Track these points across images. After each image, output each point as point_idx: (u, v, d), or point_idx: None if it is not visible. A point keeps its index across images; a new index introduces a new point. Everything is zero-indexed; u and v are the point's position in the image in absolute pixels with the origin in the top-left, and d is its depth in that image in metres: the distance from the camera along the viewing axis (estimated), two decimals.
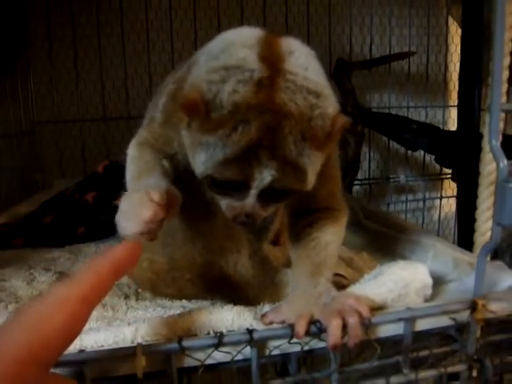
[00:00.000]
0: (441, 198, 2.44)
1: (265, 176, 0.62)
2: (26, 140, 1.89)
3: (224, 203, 0.68)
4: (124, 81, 2.01)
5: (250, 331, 0.66)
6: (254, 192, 0.64)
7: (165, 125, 0.79)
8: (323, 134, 0.63)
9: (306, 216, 0.81)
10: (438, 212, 2.44)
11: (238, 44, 0.65)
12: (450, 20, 2.28)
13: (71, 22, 1.94)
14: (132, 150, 0.81)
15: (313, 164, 0.65)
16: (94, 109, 2.04)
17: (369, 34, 2.22)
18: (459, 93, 1.89)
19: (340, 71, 2.01)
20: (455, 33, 2.29)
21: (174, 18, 2.00)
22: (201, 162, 0.64)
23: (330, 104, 0.65)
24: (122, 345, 0.67)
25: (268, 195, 0.65)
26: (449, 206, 2.45)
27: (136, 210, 0.62)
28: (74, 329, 0.49)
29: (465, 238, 1.79)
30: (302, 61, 0.65)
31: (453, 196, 2.37)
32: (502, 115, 1.00)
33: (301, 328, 0.65)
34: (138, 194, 0.65)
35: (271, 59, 0.63)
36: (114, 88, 2.04)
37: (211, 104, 0.61)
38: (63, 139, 2.03)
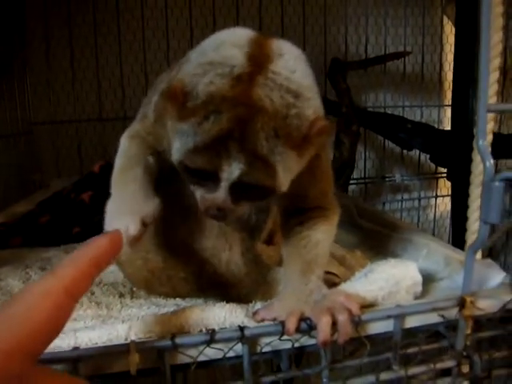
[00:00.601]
0: (436, 196, 2.45)
1: (233, 168, 0.63)
2: (22, 140, 1.90)
3: (198, 194, 0.69)
4: (120, 80, 2.02)
5: (241, 328, 0.67)
6: (224, 185, 0.65)
7: (156, 123, 0.81)
8: (299, 134, 0.64)
9: (297, 215, 0.82)
10: (433, 211, 2.46)
11: (229, 43, 0.67)
12: (445, 20, 2.29)
13: (68, 22, 1.95)
14: (123, 142, 0.85)
15: (285, 163, 0.65)
16: (91, 109, 2.05)
17: (364, 33, 2.23)
18: (453, 92, 1.90)
19: (335, 71, 2.02)
20: (450, 32, 2.31)
21: (170, 16, 2.01)
22: (175, 149, 0.67)
23: (311, 106, 0.66)
24: (115, 342, 0.68)
25: (240, 190, 0.66)
26: (444, 204, 2.46)
27: None
28: (59, 321, 0.49)
29: (459, 236, 1.80)
30: (291, 63, 0.67)
31: (448, 195, 2.38)
32: (493, 115, 1.00)
33: (291, 325, 0.67)
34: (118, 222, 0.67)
35: (258, 59, 0.65)
36: (111, 87, 2.05)
37: (189, 95, 0.63)
38: (60, 139, 2.04)
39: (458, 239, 1.79)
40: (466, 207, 1.53)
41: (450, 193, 2.33)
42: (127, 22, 2.01)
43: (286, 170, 0.66)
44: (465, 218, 1.57)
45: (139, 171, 0.79)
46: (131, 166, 0.80)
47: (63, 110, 2.02)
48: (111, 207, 0.74)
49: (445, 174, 2.34)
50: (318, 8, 2.18)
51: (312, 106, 0.66)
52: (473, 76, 1.79)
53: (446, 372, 0.82)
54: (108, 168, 1.52)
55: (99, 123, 2.03)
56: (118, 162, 0.82)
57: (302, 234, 0.79)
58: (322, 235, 0.80)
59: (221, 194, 0.66)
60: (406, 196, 2.45)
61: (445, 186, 2.43)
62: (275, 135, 0.63)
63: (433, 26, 2.35)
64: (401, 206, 2.43)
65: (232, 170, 0.63)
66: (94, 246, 0.56)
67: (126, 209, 0.72)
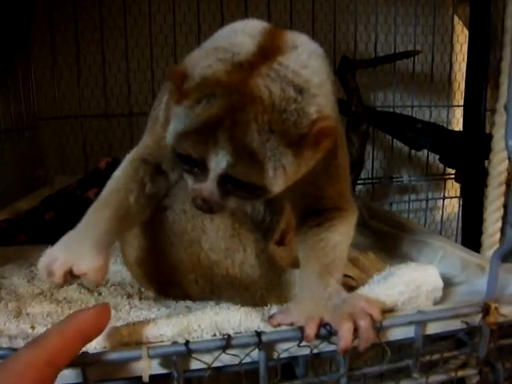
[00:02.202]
0: (444, 198, 2.42)
1: (220, 159, 0.60)
2: (27, 135, 1.87)
3: (189, 182, 0.67)
4: (126, 75, 1.99)
5: (258, 334, 0.64)
6: (212, 176, 0.62)
7: (167, 124, 0.78)
8: (297, 131, 0.60)
9: (314, 216, 0.79)
10: (440, 212, 2.42)
11: (241, 31, 0.65)
12: (456, 19, 2.26)
13: (74, 16, 1.92)
14: (120, 166, 0.82)
15: (277, 160, 0.61)
16: (96, 104, 2.01)
17: (374, 32, 2.19)
18: (465, 93, 1.87)
19: (344, 69, 1.98)
20: (461, 32, 2.27)
21: (177, 11, 1.97)
22: (168, 133, 0.65)
23: (315, 104, 0.61)
24: (126, 346, 0.65)
25: (228, 184, 0.63)
26: (451, 206, 2.43)
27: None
28: None
29: (469, 238, 1.77)
30: (303, 58, 0.63)
31: (456, 196, 2.35)
32: None
33: (311, 331, 0.64)
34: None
35: (268, 49, 0.62)
36: (117, 82, 2.02)
37: (188, 78, 0.61)
38: (64, 135, 2.01)
39: (468, 241, 1.76)
40: (477, 209, 1.50)
41: (457, 194, 2.31)
42: (134, 17, 1.98)
43: (279, 169, 0.61)
44: (476, 220, 1.55)
45: (106, 216, 0.74)
46: (101, 207, 0.76)
47: (68, 106, 1.99)
48: (70, 235, 0.72)
49: (453, 176, 2.31)
50: (327, 5, 2.14)
51: (316, 104, 0.61)
52: (486, 76, 1.76)
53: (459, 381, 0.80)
54: (114, 165, 1.50)
55: (105, 119, 2.00)
56: (106, 188, 0.79)
57: (319, 235, 0.76)
58: (340, 237, 0.77)
59: (208, 186, 0.63)
60: (413, 197, 2.42)
61: (453, 188, 2.40)
62: (269, 129, 0.59)
63: (443, 26, 2.32)
64: (408, 206, 2.39)
65: (219, 160, 0.60)
66: (79, 318, 0.57)
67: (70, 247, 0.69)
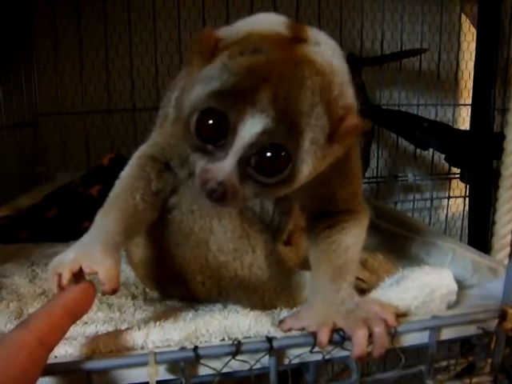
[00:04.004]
0: (448, 197, 2.40)
1: (257, 121, 0.53)
2: (28, 131, 1.85)
3: (200, 164, 0.60)
4: (130, 71, 1.96)
5: (269, 339, 0.62)
6: (237, 147, 0.55)
7: (177, 122, 0.76)
8: (336, 114, 0.58)
9: (325, 218, 0.77)
10: (445, 212, 2.40)
11: (265, 21, 0.64)
12: (463, 17, 2.23)
13: (76, 11, 1.89)
14: (128, 165, 0.79)
15: (316, 132, 0.56)
16: (99, 100, 1.99)
17: (380, 29, 2.17)
18: (473, 92, 1.85)
19: (351, 66, 1.95)
20: (468, 30, 2.25)
21: (182, 7, 1.95)
22: (192, 100, 0.58)
23: (344, 97, 0.60)
24: (131, 350, 0.63)
25: (250, 166, 0.57)
26: (456, 205, 2.41)
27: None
28: (34, 372, 0.50)
29: (476, 238, 1.75)
30: (329, 54, 0.62)
31: (461, 196, 2.33)
32: None
33: (324, 337, 0.62)
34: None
35: (297, 40, 0.61)
36: (120, 78, 1.99)
37: (222, 39, 0.58)
38: (67, 131, 1.98)
39: (474, 241, 1.74)
40: (484, 209, 1.48)
41: (462, 194, 2.29)
42: (138, 12, 1.95)
43: (312, 146, 0.56)
44: (483, 220, 1.52)
45: (114, 218, 0.70)
46: (109, 210, 0.72)
47: (71, 101, 1.97)
48: (81, 239, 0.68)
49: (458, 175, 2.29)
50: (333, 2, 2.12)
51: (345, 97, 0.61)
52: (494, 75, 1.74)
53: None
54: (118, 161, 1.48)
55: (107, 115, 1.98)
56: (114, 188, 0.76)
57: (331, 238, 0.74)
58: (352, 239, 0.75)
59: (228, 164, 0.56)
60: (418, 196, 2.40)
61: (457, 187, 2.38)
62: (319, 93, 0.55)
63: (450, 24, 2.29)
64: (413, 206, 2.37)
65: (254, 123, 0.53)
66: (67, 298, 0.57)
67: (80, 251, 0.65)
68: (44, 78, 1.95)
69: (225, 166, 0.56)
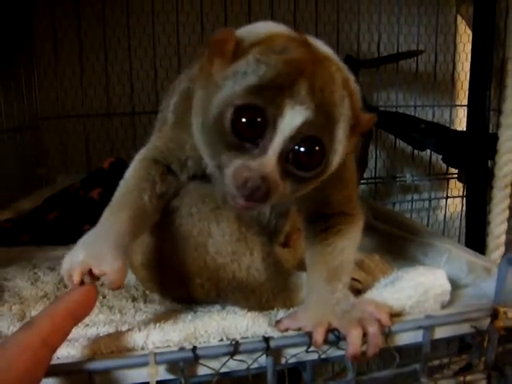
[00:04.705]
0: (446, 197, 2.41)
1: (296, 113, 0.54)
2: (29, 135, 1.87)
3: (235, 164, 0.57)
4: (129, 75, 1.98)
5: (266, 339, 0.63)
6: (277, 143, 0.55)
7: (176, 127, 0.77)
8: (356, 109, 0.61)
9: (321, 220, 0.79)
10: (443, 212, 2.42)
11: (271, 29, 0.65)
12: (459, 19, 2.25)
13: (76, 15, 1.91)
14: (130, 167, 0.79)
15: (345, 122, 0.59)
16: (99, 103, 2.01)
17: (377, 31, 2.18)
18: (469, 93, 1.86)
19: (348, 68, 1.97)
20: (464, 32, 2.27)
21: (181, 11, 1.96)
22: (224, 97, 0.57)
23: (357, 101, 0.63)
24: (132, 351, 0.65)
25: (290, 161, 0.57)
26: (454, 206, 2.43)
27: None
28: (37, 373, 0.51)
29: (473, 238, 1.76)
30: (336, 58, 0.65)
31: (459, 196, 2.35)
32: None
33: (319, 336, 0.63)
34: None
35: None
36: (119, 82, 2.01)
37: (245, 37, 0.59)
38: (67, 134, 2.00)
39: (471, 242, 1.75)
40: (481, 209, 1.50)
41: (460, 194, 2.31)
42: (137, 16, 1.97)
43: (343, 134, 0.59)
44: (479, 220, 1.54)
45: (123, 217, 0.70)
46: (118, 209, 0.72)
47: (71, 105, 1.99)
48: (89, 236, 0.69)
49: (456, 175, 2.31)
50: (330, 5, 2.13)
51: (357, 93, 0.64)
52: (490, 76, 1.75)
53: None
54: (118, 165, 1.50)
55: (107, 118, 2.00)
56: (114, 197, 0.75)
57: (327, 240, 0.76)
58: (348, 242, 0.77)
59: (271, 159, 0.55)
60: (416, 196, 2.41)
61: (455, 187, 2.39)
62: (343, 87, 0.59)
63: (446, 26, 2.31)
64: (411, 206, 2.39)
65: (294, 115, 0.54)
66: (69, 300, 0.59)
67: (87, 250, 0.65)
68: (44, 82, 1.96)
69: (267, 162, 0.55)
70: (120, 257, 0.65)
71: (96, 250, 0.64)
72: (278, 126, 0.55)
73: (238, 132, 0.56)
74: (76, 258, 0.63)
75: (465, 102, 2.10)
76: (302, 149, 0.56)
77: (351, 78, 0.65)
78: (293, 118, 0.54)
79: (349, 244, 0.76)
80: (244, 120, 0.55)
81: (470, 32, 2.10)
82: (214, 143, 0.60)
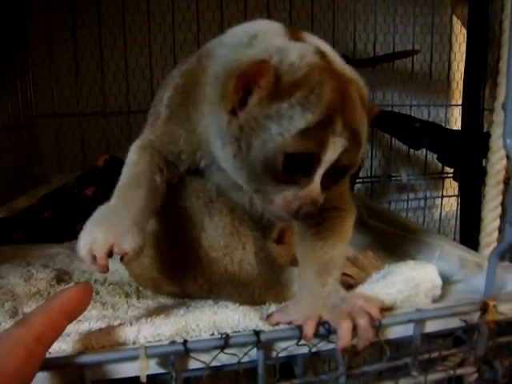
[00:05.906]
0: (442, 197, 2.42)
1: (337, 146, 0.60)
2: (24, 133, 1.86)
3: (283, 196, 0.63)
4: (125, 73, 1.97)
5: (256, 332, 0.64)
6: (320, 172, 0.62)
7: (170, 121, 0.77)
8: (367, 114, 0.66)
9: None
10: (438, 211, 2.43)
11: (269, 33, 0.67)
12: (454, 19, 2.26)
13: (71, 13, 1.91)
14: (131, 154, 0.78)
15: (366, 136, 0.65)
16: (94, 102, 2.00)
17: (373, 31, 2.19)
18: (464, 92, 1.87)
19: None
20: (459, 32, 2.28)
21: (177, 10, 1.96)
22: (273, 141, 0.60)
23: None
24: (123, 345, 0.65)
25: (327, 177, 0.63)
26: (450, 205, 2.44)
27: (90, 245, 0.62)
28: (31, 369, 0.51)
29: (467, 237, 1.77)
30: (338, 60, 0.69)
31: (454, 195, 2.35)
32: None
33: (309, 329, 0.64)
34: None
35: None
36: (115, 80, 2.00)
37: (279, 69, 0.60)
38: (62, 133, 1.99)
39: (466, 240, 1.76)
40: (475, 207, 1.50)
41: (456, 193, 2.31)
42: (132, 15, 1.97)
43: (365, 147, 0.66)
44: (474, 218, 1.54)
45: (141, 194, 0.70)
46: (134, 186, 0.72)
47: (66, 103, 1.98)
48: (104, 211, 0.67)
49: (451, 174, 2.32)
50: (326, 4, 2.14)
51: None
52: (484, 76, 1.76)
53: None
54: (113, 163, 1.50)
55: (103, 117, 1.99)
56: (123, 177, 0.74)
57: (318, 235, 0.76)
58: (339, 236, 0.77)
59: (316, 185, 0.62)
60: (411, 195, 2.42)
61: (451, 186, 2.40)
62: (362, 106, 0.63)
63: (442, 25, 2.32)
64: (407, 205, 2.39)
65: (336, 149, 0.60)
66: (64, 297, 0.59)
67: (107, 228, 0.64)
68: (39, 80, 1.95)
69: (314, 188, 0.63)
70: (141, 234, 0.64)
71: (116, 228, 0.63)
72: (322, 160, 0.61)
73: (288, 172, 0.62)
74: (97, 237, 0.62)
75: (460, 101, 2.10)
76: (339, 169, 0.64)
77: (357, 78, 0.68)
78: (334, 151, 0.60)
79: (340, 239, 0.77)
80: (296, 164, 0.61)
81: (465, 32, 2.10)
82: (256, 175, 0.64)
